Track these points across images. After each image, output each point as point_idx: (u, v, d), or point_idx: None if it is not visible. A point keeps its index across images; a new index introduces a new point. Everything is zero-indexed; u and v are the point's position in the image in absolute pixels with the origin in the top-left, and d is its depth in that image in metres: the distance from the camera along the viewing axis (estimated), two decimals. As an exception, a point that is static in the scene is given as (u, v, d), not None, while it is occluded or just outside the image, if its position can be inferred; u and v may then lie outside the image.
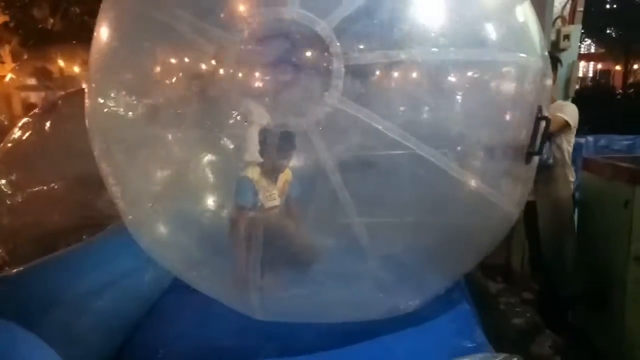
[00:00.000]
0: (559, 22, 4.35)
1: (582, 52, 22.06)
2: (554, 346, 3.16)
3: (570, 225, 3.33)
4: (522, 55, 1.82)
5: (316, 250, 2.01)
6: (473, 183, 1.78)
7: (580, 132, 3.55)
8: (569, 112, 3.23)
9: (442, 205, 1.85)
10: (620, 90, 14.21)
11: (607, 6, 17.77)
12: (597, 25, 18.53)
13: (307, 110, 1.62)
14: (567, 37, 4.22)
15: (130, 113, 1.87)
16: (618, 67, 21.33)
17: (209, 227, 1.98)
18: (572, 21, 4.45)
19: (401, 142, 1.63)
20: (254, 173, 1.88)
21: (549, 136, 3.02)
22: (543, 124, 1.87)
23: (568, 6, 4.39)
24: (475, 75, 1.77)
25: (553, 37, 4.25)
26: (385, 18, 1.65)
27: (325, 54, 1.57)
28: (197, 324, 2.22)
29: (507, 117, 1.86)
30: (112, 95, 1.88)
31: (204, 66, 1.74)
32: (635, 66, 20.85)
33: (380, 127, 1.62)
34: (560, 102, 3.47)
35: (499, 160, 1.89)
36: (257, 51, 1.67)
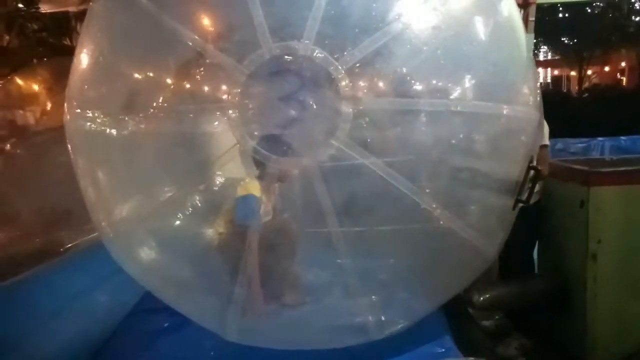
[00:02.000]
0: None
1: (538, 59, 22.91)
2: (520, 347, 3.23)
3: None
4: (522, 108, 1.86)
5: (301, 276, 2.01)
6: (462, 230, 1.80)
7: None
8: (547, 134, 3.26)
9: (430, 250, 1.88)
10: (576, 95, 14.76)
11: (560, 15, 18.48)
12: (552, 33, 19.28)
13: (311, 150, 1.62)
14: (521, 45, 4.35)
15: (114, 131, 1.82)
16: (573, 73, 22.21)
17: (191, 246, 1.96)
18: (525, 31, 4.61)
19: (401, 190, 1.64)
20: (254, 189, 1.83)
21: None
22: (532, 173, 1.92)
23: (521, 16, 4.55)
24: (478, 128, 1.79)
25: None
26: (398, 65, 1.65)
27: (336, 95, 1.56)
28: (162, 344, 2.17)
29: (503, 169, 1.90)
30: (93, 113, 1.83)
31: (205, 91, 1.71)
32: (589, 72, 21.76)
33: (382, 173, 1.63)
34: None
35: (489, 206, 1.93)
36: (265, 85, 1.65)
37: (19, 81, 6.95)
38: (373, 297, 1.91)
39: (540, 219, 3.42)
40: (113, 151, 1.84)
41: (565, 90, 17.92)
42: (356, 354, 2.00)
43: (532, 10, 4.55)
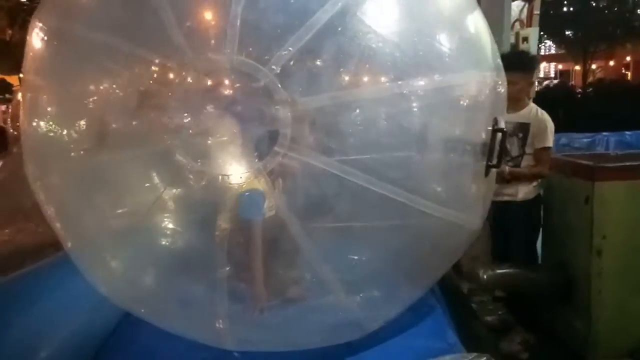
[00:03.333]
0: (517, 25, 4.49)
1: (542, 53, 22.80)
2: (524, 342, 3.23)
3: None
4: (474, 72, 1.79)
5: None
6: (436, 210, 1.74)
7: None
8: (552, 136, 3.21)
9: (406, 233, 1.81)
10: (580, 90, 14.69)
11: (565, 9, 18.37)
12: (557, 27, 19.17)
13: (258, 160, 1.57)
14: (525, 39, 4.34)
15: (67, 136, 1.72)
16: (577, 67, 22.09)
17: (168, 256, 1.83)
18: (530, 24, 4.58)
19: (359, 183, 1.59)
20: (260, 184, 1.77)
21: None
22: (499, 135, 1.86)
23: (525, 9, 4.52)
24: (428, 102, 1.70)
25: (512, 39, 4.38)
26: (330, 58, 1.57)
27: (270, 101, 1.49)
28: (162, 342, 2.16)
29: (464, 136, 1.83)
30: (47, 117, 1.75)
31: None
32: (594, 66, 21.65)
33: (336, 171, 1.56)
34: (535, 109, 3.31)
35: (459, 180, 1.88)
36: (198, 103, 1.57)
37: (21, 74, 6.95)
38: (361, 292, 1.87)
39: (545, 213, 3.42)
40: (71, 159, 1.75)
41: (569, 85, 17.79)
42: (359, 351, 2.00)
43: (537, 3, 4.52)
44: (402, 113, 1.66)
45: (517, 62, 3.10)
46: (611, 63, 22.60)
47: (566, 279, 3.17)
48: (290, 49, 1.48)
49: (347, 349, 1.98)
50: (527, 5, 4.48)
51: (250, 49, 1.49)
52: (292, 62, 1.48)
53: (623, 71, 22.62)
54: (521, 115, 3.20)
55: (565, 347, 3.20)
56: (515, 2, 4.57)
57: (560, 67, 24.91)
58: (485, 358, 1.83)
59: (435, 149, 1.75)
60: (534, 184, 3.28)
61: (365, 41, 1.59)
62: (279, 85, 1.47)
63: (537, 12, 4.46)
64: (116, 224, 1.79)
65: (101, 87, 1.68)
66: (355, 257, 1.88)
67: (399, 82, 1.60)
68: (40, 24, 1.78)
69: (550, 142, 3.17)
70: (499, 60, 1.95)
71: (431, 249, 1.89)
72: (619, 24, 18.61)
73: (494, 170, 1.94)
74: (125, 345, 2.16)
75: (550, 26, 17.91)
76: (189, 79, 1.53)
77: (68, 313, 2.09)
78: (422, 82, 1.64)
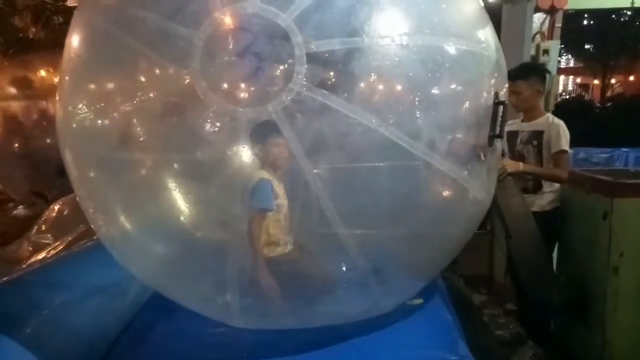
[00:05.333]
0: (538, 37, 4.46)
1: (561, 66, 22.62)
2: (535, 356, 3.18)
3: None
4: (474, 42, 1.95)
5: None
6: (441, 164, 1.86)
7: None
8: (567, 141, 3.23)
9: (415, 190, 1.93)
10: (599, 104, 14.52)
11: (585, 22, 18.20)
12: (576, 41, 19.01)
13: (274, 97, 1.69)
14: (546, 51, 4.32)
15: (101, 122, 1.89)
16: (596, 81, 21.86)
17: (187, 235, 1.97)
18: (550, 37, 4.55)
19: (367, 125, 1.72)
20: (263, 174, 1.88)
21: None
22: (501, 108, 2.00)
23: (547, 22, 4.49)
24: (434, 61, 1.85)
25: (533, 52, 4.36)
26: (344, 8, 1.74)
27: (288, 43, 1.66)
28: (175, 341, 2.18)
29: (468, 103, 1.97)
30: (82, 104, 1.88)
31: (171, 67, 1.79)
32: (613, 80, 21.40)
33: (346, 111, 1.71)
34: (551, 118, 3.36)
35: (464, 143, 1.99)
36: (222, 45, 1.74)
37: (42, 72, 7.08)
38: (372, 260, 1.93)
39: (561, 228, 3.38)
40: (103, 144, 1.91)
41: (588, 99, 17.62)
42: (365, 357, 1.99)
43: (559, 16, 4.49)
44: (407, 67, 1.82)
45: (519, 72, 3.23)
46: (631, 78, 22.30)
47: (582, 296, 3.12)
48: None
49: (356, 357, 1.97)
50: (548, 18, 4.46)
51: None
52: (308, 11, 1.67)
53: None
54: (536, 124, 3.29)
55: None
56: (537, 15, 4.55)
57: (578, 80, 24.67)
58: (497, 372, 1.81)
59: (442, 105, 1.90)
60: (553, 196, 3.31)
61: None
62: (296, 29, 1.64)
63: (558, 24, 4.43)
64: (144, 212, 1.97)
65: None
66: (370, 223, 1.94)
67: (408, 36, 1.77)
68: (82, 21, 1.95)
69: (565, 145, 3.21)
70: (497, 40, 2.11)
71: (441, 218, 1.99)
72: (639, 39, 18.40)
73: (497, 142, 2.10)
74: (137, 344, 2.17)
75: (569, 39, 17.78)
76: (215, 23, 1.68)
77: (81, 309, 2.11)
78: (428, 39, 1.82)
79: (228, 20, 1.70)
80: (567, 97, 16.42)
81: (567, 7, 4.69)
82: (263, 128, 1.77)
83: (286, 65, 1.71)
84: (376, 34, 1.75)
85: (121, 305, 2.28)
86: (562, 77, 23.88)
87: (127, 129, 1.86)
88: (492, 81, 2.01)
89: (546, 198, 3.30)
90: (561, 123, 3.27)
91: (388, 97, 1.84)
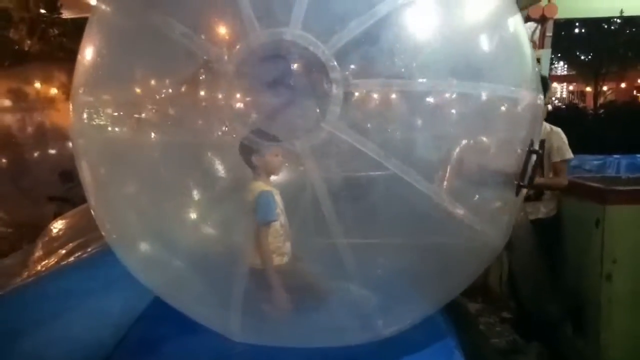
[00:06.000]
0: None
1: (554, 74, 22.83)
2: (540, 356, 3.19)
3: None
4: (517, 89, 1.83)
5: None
6: (463, 215, 1.77)
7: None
8: (567, 149, 3.31)
9: (430, 234, 1.84)
10: (592, 111, 14.64)
11: (577, 30, 18.41)
12: (568, 49, 19.20)
13: (303, 134, 1.62)
14: (537, 60, 4.35)
15: (116, 130, 1.85)
16: (588, 89, 22.04)
17: (194, 246, 1.94)
18: (542, 45, 4.61)
19: (394, 172, 1.63)
20: (263, 187, 1.85)
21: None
22: (534, 157, 1.88)
23: (538, 31, 4.54)
24: (471, 109, 1.75)
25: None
26: (387, 46, 1.63)
27: (325, 78, 1.56)
28: (173, 351, 2.18)
29: (500, 151, 1.88)
30: (97, 111, 1.86)
31: (199, 87, 1.72)
32: (605, 87, 21.60)
33: (375, 156, 1.61)
34: (549, 126, 3.40)
35: (489, 192, 1.90)
36: (255, 71, 1.65)
37: (38, 84, 7.09)
38: (378, 293, 1.89)
39: (555, 235, 3.40)
40: (116, 150, 1.88)
41: (581, 106, 17.75)
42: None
43: (550, 25, 4.55)
44: (444, 111, 1.72)
45: None
46: (622, 85, 22.51)
47: (578, 305, 3.14)
48: (351, 32, 1.55)
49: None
50: (539, 27, 4.51)
51: (313, 26, 1.55)
52: (350, 45, 1.55)
53: (635, 93, 22.51)
54: None
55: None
56: (528, 24, 4.61)
57: (571, 87, 24.87)
58: (491, 381, 1.81)
59: (472, 155, 1.80)
60: (555, 202, 3.38)
61: (419, 37, 1.68)
62: (335, 63, 1.54)
63: (549, 34, 4.49)
64: (153, 218, 1.92)
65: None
66: (380, 256, 1.91)
67: (449, 81, 1.67)
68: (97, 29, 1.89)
69: (565, 155, 3.28)
70: (539, 84, 1.98)
71: (454, 260, 1.90)
72: (631, 47, 18.59)
73: (523, 190, 1.96)
74: (133, 356, 2.17)
75: (561, 47, 17.97)
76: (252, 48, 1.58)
77: (75, 322, 2.11)
78: (468, 86, 1.70)
79: (263, 46, 1.58)
80: (560, 104, 16.52)
81: (557, 16, 4.77)
82: (257, 137, 1.72)
83: (321, 102, 1.60)
84: (419, 76, 1.65)
85: (116, 317, 2.27)
86: (555, 85, 24.11)
87: (144, 141, 1.83)
88: (529, 128, 1.90)
89: (549, 205, 3.37)
90: (560, 131, 3.36)
91: (421, 145, 1.73)
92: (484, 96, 1.73)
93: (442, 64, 1.68)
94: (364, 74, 1.61)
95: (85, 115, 1.89)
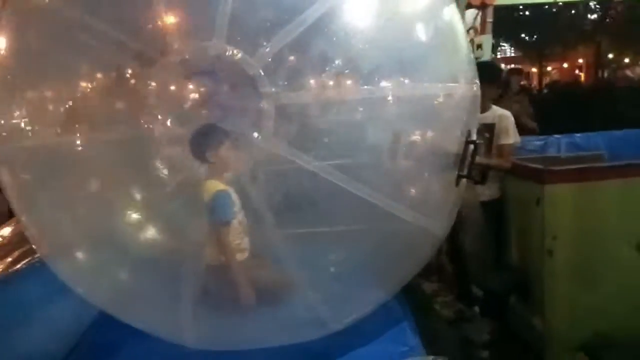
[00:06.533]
0: (471, 32, 4.63)
1: (500, 56, 23.51)
2: (492, 332, 3.34)
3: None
4: (452, 84, 1.85)
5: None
6: (406, 214, 1.79)
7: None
8: (514, 132, 3.44)
9: (373, 232, 1.86)
10: (537, 91, 15.17)
11: (521, 13, 18.92)
12: (512, 31, 19.78)
13: (238, 155, 1.60)
14: (479, 46, 4.49)
15: (40, 130, 1.74)
16: (534, 69, 22.84)
17: (139, 251, 1.88)
18: (483, 31, 4.74)
19: (333, 182, 1.62)
20: (219, 185, 1.78)
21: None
22: (471, 147, 1.92)
23: (479, 17, 4.67)
24: (408, 108, 1.76)
25: (467, 47, 4.50)
26: (316, 55, 1.60)
27: (254, 93, 1.51)
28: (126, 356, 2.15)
29: (439, 144, 1.89)
30: (15, 114, 1.75)
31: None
32: (549, 67, 22.44)
33: (311, 168, 1.59)
34: (498, 110, 3.54)
35: (430, 186, 1.93)
36: (180, 90, 1.59)
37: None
38: (326, 290, 1.89)
39: (503, 214, 3.56)
40: (39, 156, 1.78)
41: (526, 85, 18.37)
42: (316, 355, 2.02)
43: (490, 11, 4.68)
44: (380, 116, 1.70)
45: (483, 74, 3.25)
46: (565, 65, 23.46)
47: (522, 280, 3.30)
48: (279, 43, 1.49)
49: (305, 354, 2.00)
50: (480, 13, 4.64)
51: (239, 38, 1.49)
52: (278, 57, 1.50)
53: (577, 72, 23.47)
54: (485, 117, 3.40)
55: (521, 342, 3.32)
56: (469, 10, 4.73)
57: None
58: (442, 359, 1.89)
59: (410, 154, 1.80)
60: (499, 185, 3.51)
61: (350, 43, 1.63)
62: (265, 77, 1.48)
63: (490, 20, 4.62)
64: (88, 226, 1.83)
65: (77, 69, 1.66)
66: (324, 256, 1.89)
67: (381, 86, 1.65)
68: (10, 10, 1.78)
69: (511, 138, 3.40)
70: (475, 73, 2.01)
71: (398, 253, 1.93)
72: (571, 28, 19.35)
73: (463, 180, 2.00)
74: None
75: (505, 30, 18.47)
76: (173, 67, 1.51)
77: (21, 334, 2.04)
78: (403, 88, 1.70)
79: (188, 60, 1.52)
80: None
81: (496, 2, 4.91)
82: (209, 133, 1.67)
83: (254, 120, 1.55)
84: (348, 84, 1.63)
85: (64, 327, 2.21)
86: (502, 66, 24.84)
87: (71, 137, 1.73)
88: (466, 120, 1.94)
89: (493, 187, 3.48)
90: (509, 115, 3.48)
91: (356, 152, 1.71)
92: (420, 95, 1.74)
93: (375, 67, 1.67)
94: (295, 85, 1.56)
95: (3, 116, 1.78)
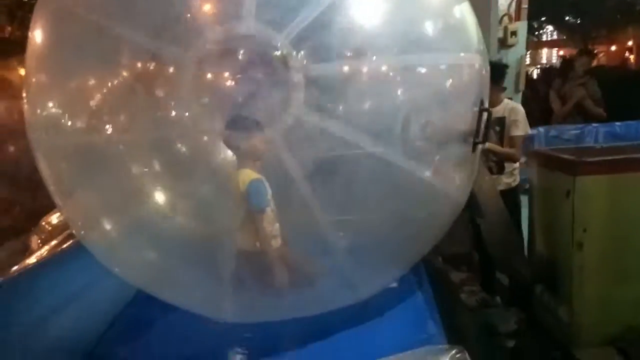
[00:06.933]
0: (505, 19, 4.52)
1: (544, 39, 22.67)
2: (519, 322, 3.34)
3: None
4: (462, 54, 1.98)
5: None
6: (425, 175, 1.91)
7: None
8: (524, 125, 3.61)
9: (397, 196, 1.94)
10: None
11: (564, -5, 18.14)
12: (557, 13, 19.00)
13: (270, 123, 1.67)
14: (514, 33, 4.38)
15: (72, 123, 1.85)
16: (579, 53, 21.89)
17: (173, 233, 1.96)
18: (518, 18, 4.62)
19: (359, 145, 1.73)
20: (252, 174, 1.85)
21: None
22: (485, 115, 2.05)
23: (514, 3, 4.55)
24: (423, 77, 1.87)
25: (500, 34, 4.42)
26: (340, 29, 1.70)
27: (284, 67, 1.61)
28: (160, 335, 2.26)
29: (453, 112, 2.00)
30: (52, 104, 1.86)
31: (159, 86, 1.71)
32: (595, 51, 21.43)
33: (340, 133, 1.70)
34: (510, 104, 3.72)
35: (448, 151, 2.02)
36: (215, 68, 1.67)
37: (21, 71, 7.00)
38: (357, 253, 1.96)
39: (530, 207, 3.52)
40: (76, 143, 1.88)
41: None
42: (337, 341, 2.08)
43: (525, -4, 4.56)
44: (398, 84, 1.82)
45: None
46: (613, 48, 22.37)
47: (550, 271, 3.26)
48: (305, 19, 1.61)
49: (325, 338, 2.08)
50: (515, 0, 4.52)
51: (267, 17, 1.60)
52: (306, 32, 1.61)
53: (627, 55, 22.37)
54: (497, 111, 3.55)
55: (549, 336, 3.30)
56: (503, -4, 4.62)
57: (561, 52, 24.67)
58: (455, 350, 1.90)
59: (428, 119, 1.91)
60: (515, 174, 3.69)
61: (368, 18, 1.76)
62: (294, 51, 1.59)
63: (525, 5, 4.49)
64: (123, 210, 1.94)
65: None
66: (355, 220, 1.95)
67: (400, 56, 1.78)
68: (42, 10, 1.91)
69: (521, 130, 3.58)
70: (484, 46, 2.14)
71: (421, 218, 2.03)
72: (620, 9, 18.40)
73: (479, 147, 2.14)
74: (121, 342, 2.26)
75: (550, 12, 17.78)
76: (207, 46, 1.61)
77: (64, 312, 2.17)
78: (417, 58, 1.83)
79: (221, 41, 1.61)
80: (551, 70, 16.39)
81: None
82: (241, 122, 1.75)
83: (284, 90, 1.64)
84: (371, 55, 1.74)
85: (103, 305, 2.35)
86: (545, 50, 23.94)
87: (102, 126, 1.81)
88: (478, 89, 2.05)
89: (510, 177, 3.67)
90: (519, 108, 3.66)
91: (385, 118, 1.81)
92: (435, 65, 1.89)
93: (393, 40, 1.78)
94: (320, 58, 1.67)
95: (39, 108, 1.89)
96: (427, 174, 1.91)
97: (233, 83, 1.68)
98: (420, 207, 2.00)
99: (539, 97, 7.13)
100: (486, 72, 2.15)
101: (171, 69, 1.67)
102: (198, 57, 1.60)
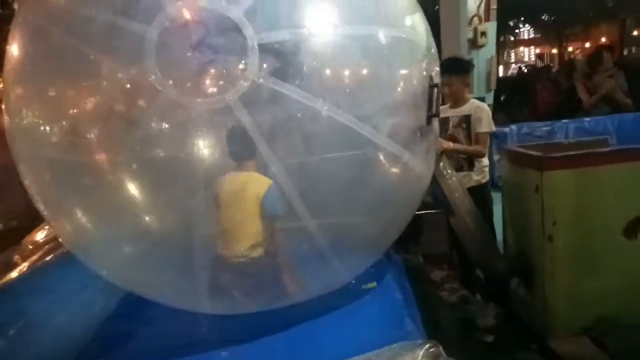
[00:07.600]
0: (475, 20, 4.62)
1: (520, 38, 23.09)
2: (497, 316, 3.40)
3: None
4: (410, 31, 2.15)
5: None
6: (386, 144, 2.00)
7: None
8: (488, 122, 3.76)
9: (364, 168, 2.04)
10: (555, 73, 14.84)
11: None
12: (532, 12, 19.36)
13: (229, 87, 1.77)
14: (483, 34, 4.48)
15: (52, 129, 1.90)
16: (554, 50, 22.33)
17: (152, 233, 2.00)
18: (487, 18, 4.71)
19: (318, 110, 1.83)
20: (264, 178, 1.91)
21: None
22: (435, 90, 2.19)
23: (483, 4, 4.65)
24: (372, 48, 1.99)
25: (470, 35, 4.51)
26: (288, 1, 1.88)
27: (239, 35, 1.74)
28: (146, 329, 2.30)
29: (406, 86, 2.13)
30: (31, 112, 1.91)
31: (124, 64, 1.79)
32: (570, 49, 21.89)
33: (298, 97, 1.80)
34: (475, 102, 3.88)
35: (404, 122, 2.13)
36: (176, 39, 1.79)
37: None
38: (330, 239, 2.02)
39: (503, 203, 3.61)
40: (56, 150, 1.91)
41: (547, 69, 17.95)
42: (311, 338, 2.12)
43: (494, -3, 4.66)
44: (349, 54, 1.95)
45: (453, 67, 3.79)
46: (587, 45, 22.83)
47: (524, 264, 3.34)
48: None
49: (304, 337, 2.11)
50: (484, 1, 4.61)
51: None
52: (256, 4, 1.77)
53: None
54: (463, 110, 3.79)
55: (523, 326, 3.39)
56: (472, -3, 4.72)
57: (537, 50, 25.11)
58: (429, 345, 1.95)
59: (383, 89, 2.05)
60: (485, 171, 3.83)
61: None
62: (247, 21, 1.74)
63: (494, 6, 4.59)
64: (106, 214, 1.99)
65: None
66: (319, 189, 2.00)
67: (348, 26, 1.92)
68: (20, 26, 1.96)
69: (485, 127, 3.74)
70: (428, 26, 2.31)
71: (387, 187, 2.12)
72: (592, 6, 18.81)
73: (435, 121, 2.30)
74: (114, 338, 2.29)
75: (525, 11, 18.13)
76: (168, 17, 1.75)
77: (61, 311, 2.21)
78: (363, 30, 1.98)
79: (181, 14, 1.77)
80: (525, 68, 16.65)
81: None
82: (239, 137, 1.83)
83: (239, 57, 1.78)
84: (318, 24, 1.88)
85: (98, 301, 2.37)
86: (521, 49, 24.37)
87: (81, 132, 1.86)
88: (425, 65, 2.19)
89: (480, 174, 3.80)
90: (485, 107, 3.82)
91: (335, 83, 1.95)
92: (374, 36, 2.00)
93: (343, 12, 1.94)
94: (272, 27, 1.82)
95: (18, 115, 1.93)
96: (382, 137, 1.99)
97: (195, 53, 1.79)
98: (380, 175, 2.10)
99: (560, 91, 7.31)
100: (433, 49, 2.31)
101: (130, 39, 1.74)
102: (161, 29, 1.72)
